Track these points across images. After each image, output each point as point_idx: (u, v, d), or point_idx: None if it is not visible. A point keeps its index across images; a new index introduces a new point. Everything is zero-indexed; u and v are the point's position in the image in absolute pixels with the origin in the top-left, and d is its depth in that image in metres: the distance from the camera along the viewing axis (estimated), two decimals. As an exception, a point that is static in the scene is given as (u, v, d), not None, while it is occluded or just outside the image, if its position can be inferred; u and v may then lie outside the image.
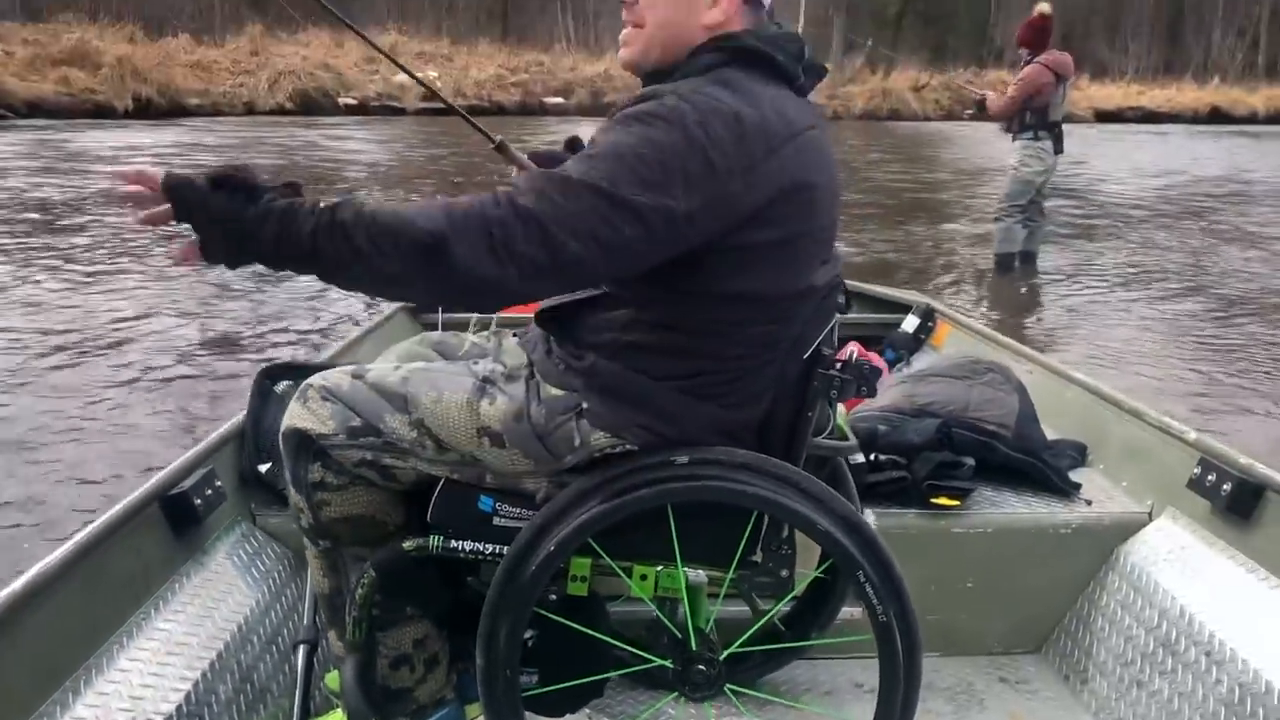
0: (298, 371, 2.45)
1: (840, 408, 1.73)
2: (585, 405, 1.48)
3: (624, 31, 1.55)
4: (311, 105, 24.69)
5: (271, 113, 23.72)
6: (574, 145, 2.04)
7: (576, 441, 1.48)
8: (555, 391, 1.52)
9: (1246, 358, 5.11)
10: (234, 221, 1.29)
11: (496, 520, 1.56)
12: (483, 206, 1.30)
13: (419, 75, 2.52)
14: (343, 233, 1.27)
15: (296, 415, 1.62)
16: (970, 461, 2.25)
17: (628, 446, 1.47)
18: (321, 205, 1.30)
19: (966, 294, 6.67)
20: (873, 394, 1.61)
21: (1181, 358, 5.10)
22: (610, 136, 1.35)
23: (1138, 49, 50.87)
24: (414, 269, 1.28)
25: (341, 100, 25.58)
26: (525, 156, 2.05)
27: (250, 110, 23.66)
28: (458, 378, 1.60)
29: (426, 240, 1.26)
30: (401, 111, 26.23)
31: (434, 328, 3.41)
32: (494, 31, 38.58)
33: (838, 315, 1.62)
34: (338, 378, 1.64)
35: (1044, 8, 6.98)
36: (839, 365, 1.54)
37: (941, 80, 37.09)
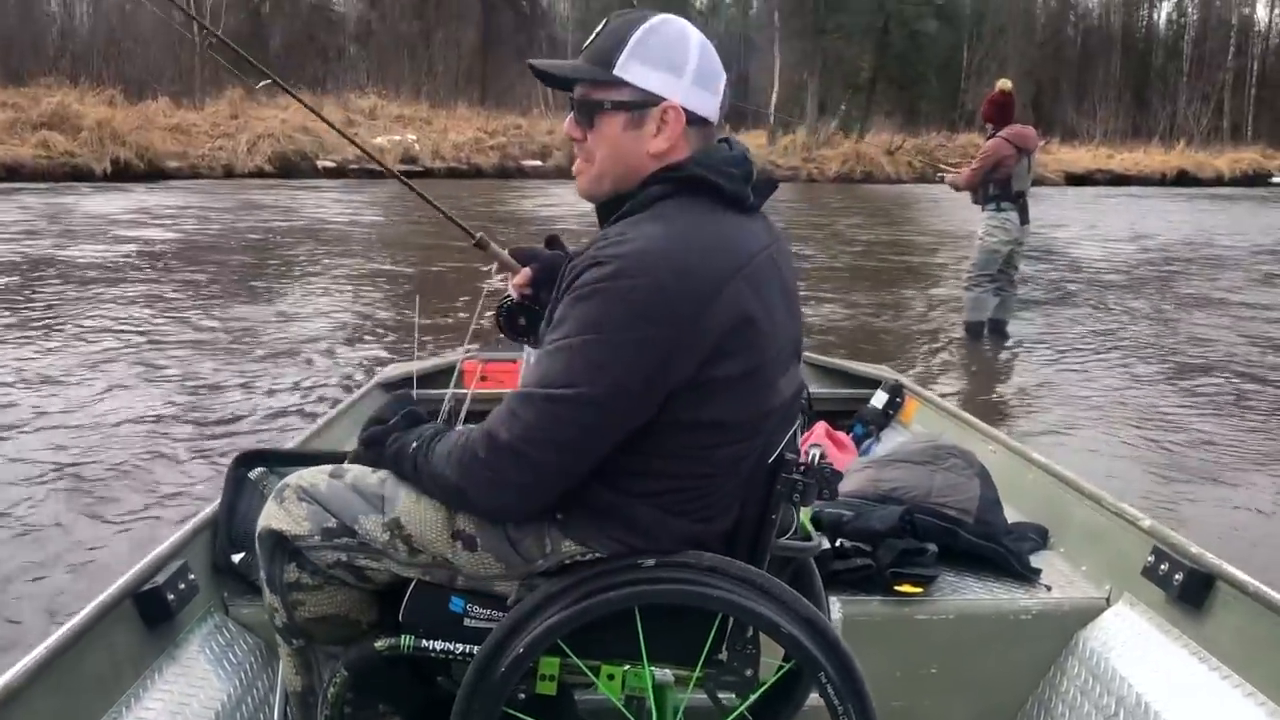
0: (273, 458, 2.48)
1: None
2: (558, 515, 1.53)
3: (576, 164, 1.62)
4: (290, 168, 24.87)
5: (250, 175, 23.87)
6: (553, 243, 2.09)
7: (548, 548, 1.53)
8: None
9: (1217, 428, 5.20)
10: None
11: (468, 621, 1.60)
12: (479, 447, 1.46)
13: (398, 174, 2.57)
14: (415, 479, 1.59)
15: (273, 515, 1.66)
16: (933, 548, 2.29)
17: (596, 554, 1.52)
18: (412, 449, 1.58)
19: (937, 362, 6.76)
20: (834, 496, 1.66)
21: (1149, 429, 5.19)
22: (563, 327, 1.43)
23: (1105, 113, 51.90)
24: (454, 504, 1.56)
25: (320, 163, 25.74)
26: (506, 253, 2.08)
27: (229, 173, 23.80)
28: (434, 481, 1.65)
29: (452, 489, 1.52)
30: (380, 174, 26.37)
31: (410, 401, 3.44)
32: (473, 95, 39.02)
33: (799, 419, 1.68)
34: (315, 477, 1.69)
35: (1004, 84, 7.19)
36: (801, 468, 1.60)
37: (914, 144, 37.74)
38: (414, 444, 1.58)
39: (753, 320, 1.45)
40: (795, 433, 1.67)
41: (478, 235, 2.19)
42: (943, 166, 9.45)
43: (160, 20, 43.02)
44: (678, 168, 1.52)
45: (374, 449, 1.67)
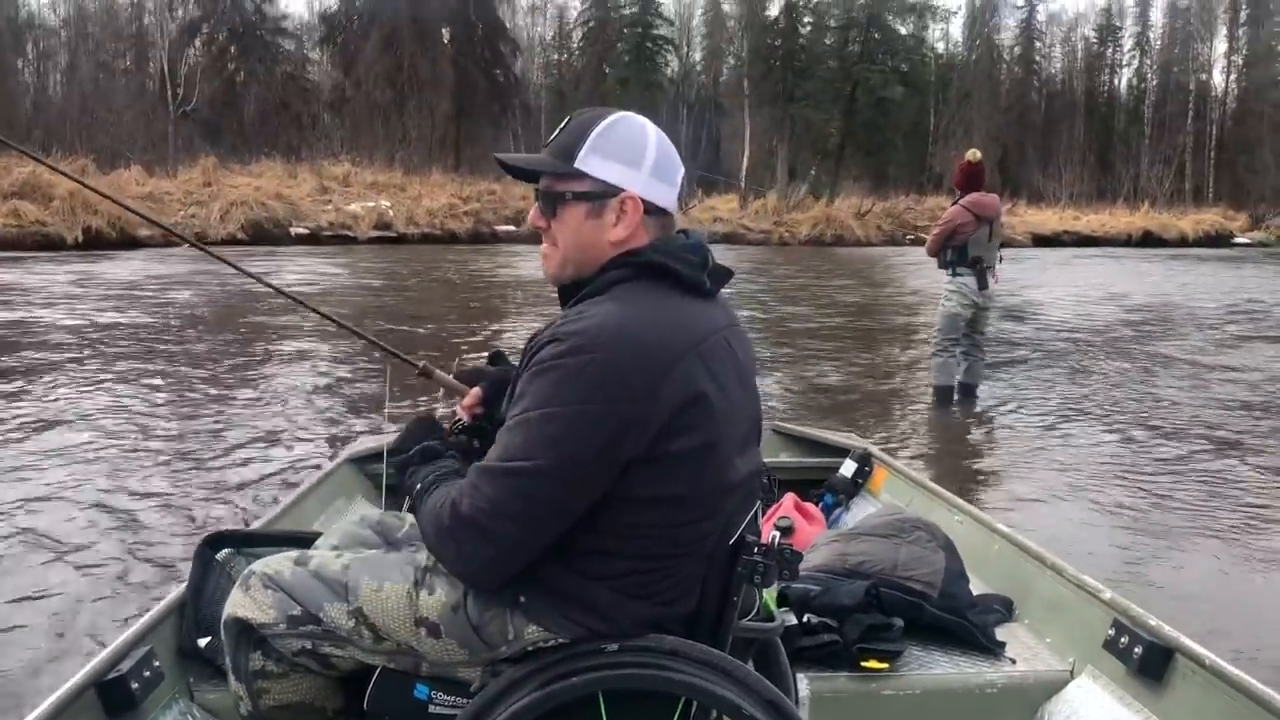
0: (240, 539, 2.48)
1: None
2: (522, 599, 1.54)
3: (542, 247, 1.69)
4: (263, 235, 24.91)
5: (223, 242, 23.84)
6: (497, 359, 2.11)
7: (510, 634, 1.54)
8: None
9: (1184, 492, 5.25)
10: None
11: (432, 708, 1.61)
12: (447, 515, 1.51)
13: (339, 320, 2.56)
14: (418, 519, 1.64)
15: (238, 603, 1.67)
16: (899, 622, 2.32)
17: (560, 639, 1.53)
18: (415, 490, 1.65)
19: (906, 427, 6.81)
20: (795, 577, 1.68)
21: (1117, 493, 5.23)
22: (523, 402, 1.48)
23: (1071, 176, 52.82)
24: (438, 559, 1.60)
25: (293, 230, 25.80)
26: (451, 378, 2.08)
27: (202, 240, 23.75)
28: (399, 567, 1.66)
29: (431, 548, 1.58)
30: (353, 240, 26.50)
31: (378, 476, 3.43)
32: (446, 161, 39.34)
33: (759, 501, 1.70)
34: (279, 564, 1.70)
35: (973, 154, 7.35)
36: (762, 550, 1.62)
37: (883, 207, 38.28)
38: (417, 486, 1.64)
39: (706, 397, 1.49)
40: (755, 514, 1.70)
41: (421, 364, 2.19)
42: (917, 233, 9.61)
43: (134, 90, 43.46)
44: (636, 253, 1.58)
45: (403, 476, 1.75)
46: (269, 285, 2.32)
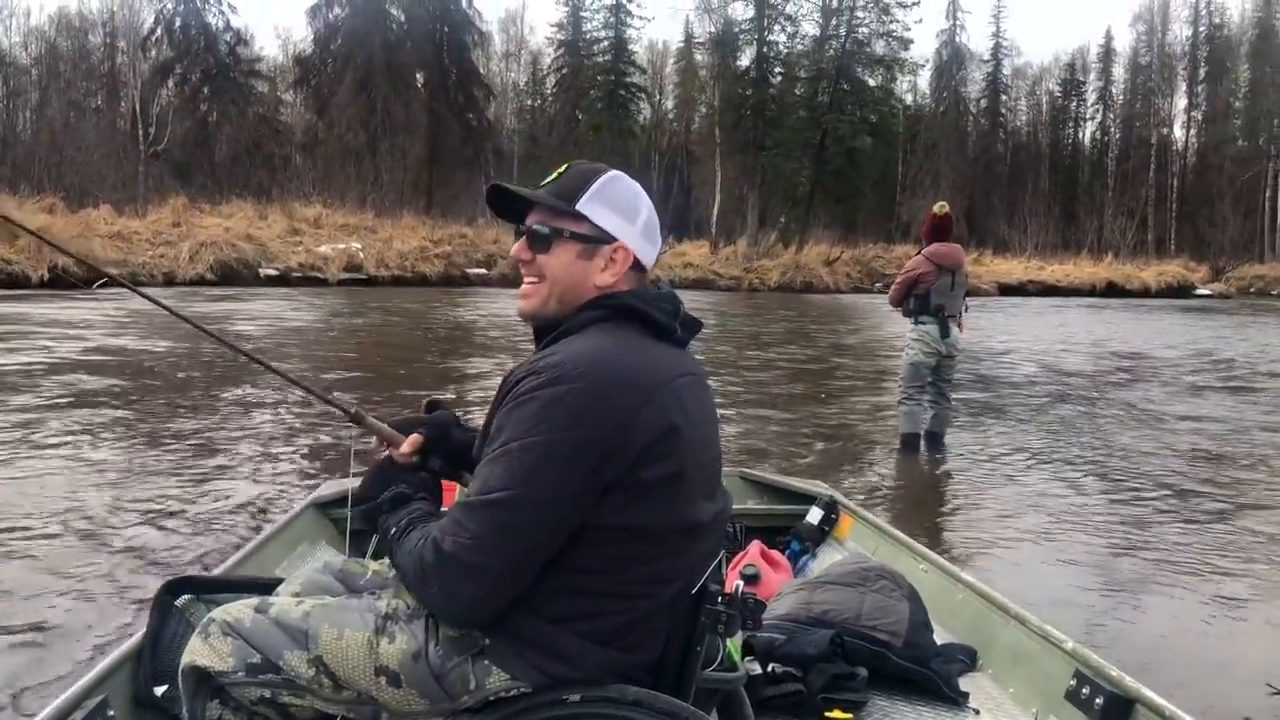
0: (200, 585, 2.44)
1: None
2: (486, 642, 1.54)
3: (524, 285, 1.71)
4: (232, 276, 24.80)
5: (191, 283, 23.75)
6: (433, 407, 2.05)
7: (472, 684, 1.54)
8: (454, 632, 1.57)
9: (1145, 542, 5.29)
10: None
11: (392, 759, 1.59)
12: (429, 553, 1.51)
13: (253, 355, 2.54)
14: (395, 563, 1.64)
15: (197, 651, 1.65)
16: (863, 672, 2.32)
17: (522, 689, 1.52)
18: (390, 535, 1.65)
19: (871, 474, 6.83)
20: (758, 627, 1.69)
21: (1081, 540, 5.26)
22: (502, 435, 1.50)
23: (1036, 226, 53.64)
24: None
25: (263, 271, 25.71)
26: (386, 425, 2.00)
27: (170, 281, 23.66)
28: (360, 614, 1.65)
29: (414, 591, 1.58)
30: (324, 282, 26.42)
31: (342, 522, 3.40)
32: (419, 204, 39.40)
33: (724, 550, 1.71)
34: (240, 612, 1.68)
35: (940, 207, 7.46)
36: (725, 599, 1.63)
37: (852, 254, 38.70)
38: (392, 530, 1.65)
39: (679, 429, 1.52)
40: (720, 564, 1.70)
41: (352, 410, 2.13)
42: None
43: (104, 129, 43.31)
44: (612, 296, 1.63)
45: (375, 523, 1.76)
46: (199, 327, 2.27)
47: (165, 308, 2.32)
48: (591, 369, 1.48)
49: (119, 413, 7.73)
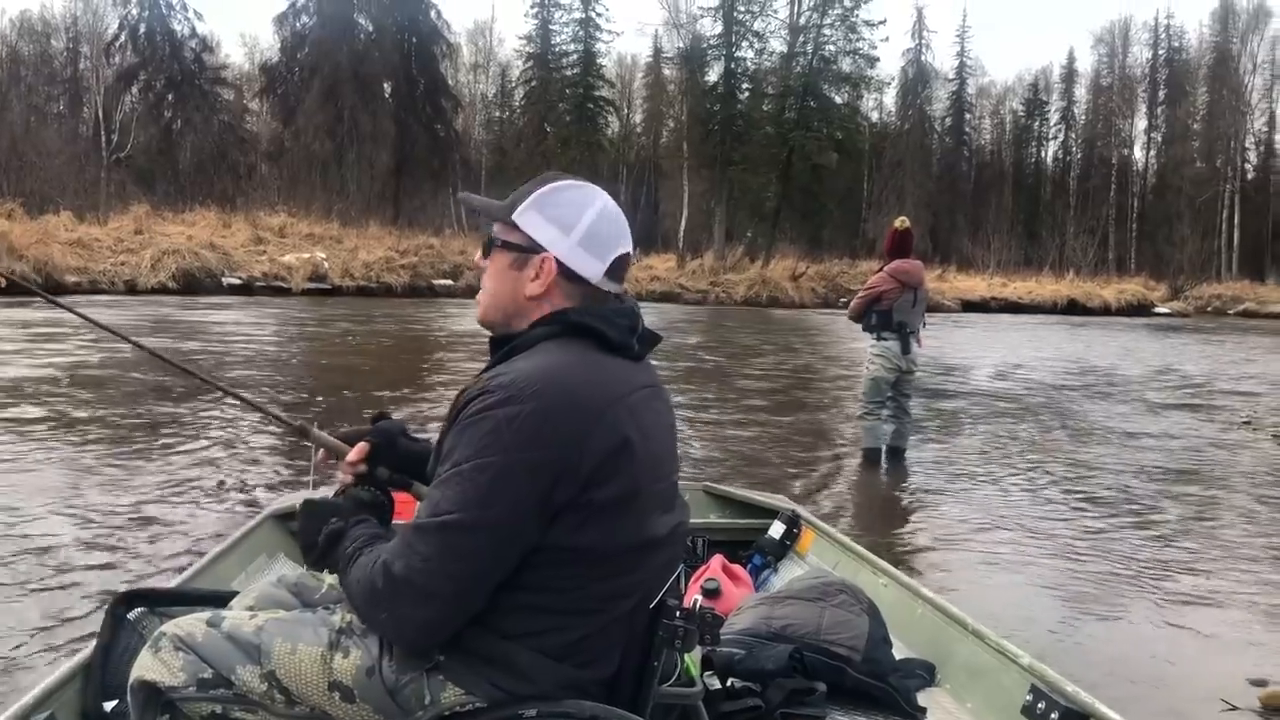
0: (154, 598, 2.41)
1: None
2: (441, 658, 1.53)
3: (480, 292, 1.71)
4: (194, 284, 24.56)
5: (153, 291, 23.49)
6: (378, 418, 2.02)
7: (427, 699, 1.52)
8: None
9: (1103, 557, 5.34)
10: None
11: (345, 775, 1.57)
12: (379, 578, 1.49)
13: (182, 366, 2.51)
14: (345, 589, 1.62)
15: (146, 666, 1.62)
16: (821, 687, 2.32)
17: (477, 704, 1.51)
18: (340, 566, 1.62)
19: (833, 489, 6.85)
20: (716, 642, 1.69)
21: (1040, 555, 5.31)
22: (454, 455, 1.48)
23: (999, 244, 54.14)
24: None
25: (226, 280, 25.48)
26: (332, 438, 1.97)
27: (131, 289, 23.40)
28: (313, 628, 1.63)
29: (363, 617, 1.57)
30: (287, 291, 26.22)
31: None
32: (385, 214, 39.21)
33: (682, 565, 1.71)
34: (191, 626, 1.66)
35: (901, 222, 7.53)
36: (683, 614, 1.62)
37: (817, 269, 38.91)
38: (340, 562, 1.62)
39: (631, 444, 1.51)
40: (679, 578, 1.70)
41: (298, 423, 2.10)
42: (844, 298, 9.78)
43: (66, 134, 42.87)
44: (566, 312, 1.61)
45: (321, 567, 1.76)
46: (123, 337, 2.24)
47: (83, 317, 2.27)
48: (542, 389, 1.47)
49: (74, 420, 7.62)
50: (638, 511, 1.54)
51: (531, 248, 1.63)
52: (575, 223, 1.63)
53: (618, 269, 1.67)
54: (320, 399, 9.61)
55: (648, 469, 1.55)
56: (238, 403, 2.21)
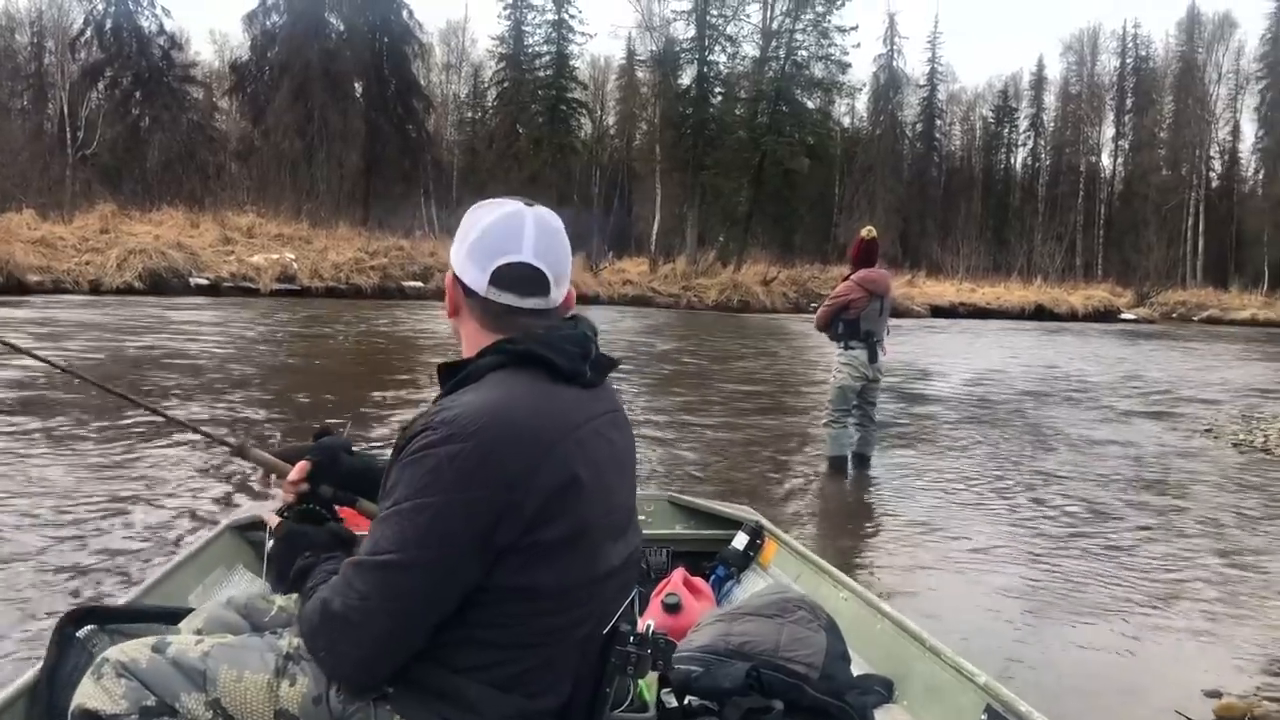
0: (105, 615, 2.37)
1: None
2: (389, 689, 1.51)
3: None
4: (161, 285, 24.29)
5: (119, 291, 23.23)
6: (321, 434, 2.01)
7: (374, 729, 1.50)
8: None
9: (1066, 567, 5.38)
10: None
11: (291, 805, 1.55)
12: (317, 614, 1.49)
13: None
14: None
15: (88, 694, 1.59)
16: (779, 705, 2.31)
17: (425, 735, 1.49)
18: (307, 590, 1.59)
19: (799, 498, 6.86)
20: (670, 668, 1.68)
21: (1004, 566, 5.34)
22: (395, 493, 1.46)
23: (968, 249, 54.57)
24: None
25: (193, 280, 25.24)
26: (271, 456, 1.96)
27: (96, 289, 23.13)
28: (260, 654, 1.61)
29: (309, 650, 1.54)
30: (255, 292, 26.01)
31: (260, 545, 3.32)
32: (355, 215, 38.98)
33: (637, 589, 1.70)
34: (136, 651, 1.63)
35: (868, 231, 7.55)
36: (636, 639, 1.61)
37: (788, 274, 39.04)
38: (303, 598, 1.59)
39: (580, 481, 1.49)
40: (632, 603, 1.69)
41: (235, 443, 2.09)
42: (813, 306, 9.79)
43: (30, 130, 42.31)
44: (513, 341, 1.57)
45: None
46: (44, 361, 2.21)
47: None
48: (485, 425, 1.44)
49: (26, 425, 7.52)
50: (588, 546, 1.52)
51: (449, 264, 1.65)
52: (467, 233, 1.62)
53: (514, 281, 1.58)
54: (282, 405, 9.53)
55: (598, 503, 1.53)
56: (188, 430, 2.17)
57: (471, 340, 1.63)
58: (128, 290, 23.48)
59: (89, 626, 2.29)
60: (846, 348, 7.35)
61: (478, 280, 1.59)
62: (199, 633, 1.78)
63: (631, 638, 1.61)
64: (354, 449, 1.97)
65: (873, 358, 7.32)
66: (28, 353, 2.21)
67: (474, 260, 1.60)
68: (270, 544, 1.79)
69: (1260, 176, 61.69)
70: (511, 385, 1.52)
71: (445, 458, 1.42)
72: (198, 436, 2.15)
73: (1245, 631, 4.40)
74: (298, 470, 1.87)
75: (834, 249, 49.98)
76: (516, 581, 1.46)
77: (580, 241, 43.05)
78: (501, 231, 1.59)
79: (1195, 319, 45.78)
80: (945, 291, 41.65)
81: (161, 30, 45.22)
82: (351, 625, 1.45)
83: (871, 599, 2.98)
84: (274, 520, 1.83)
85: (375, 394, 10.32)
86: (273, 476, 1.96)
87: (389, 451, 1.58)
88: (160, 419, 2.09)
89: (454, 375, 1.60)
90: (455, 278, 1.61)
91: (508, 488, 1.42)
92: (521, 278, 1.59)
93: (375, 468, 1.87)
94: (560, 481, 1.46)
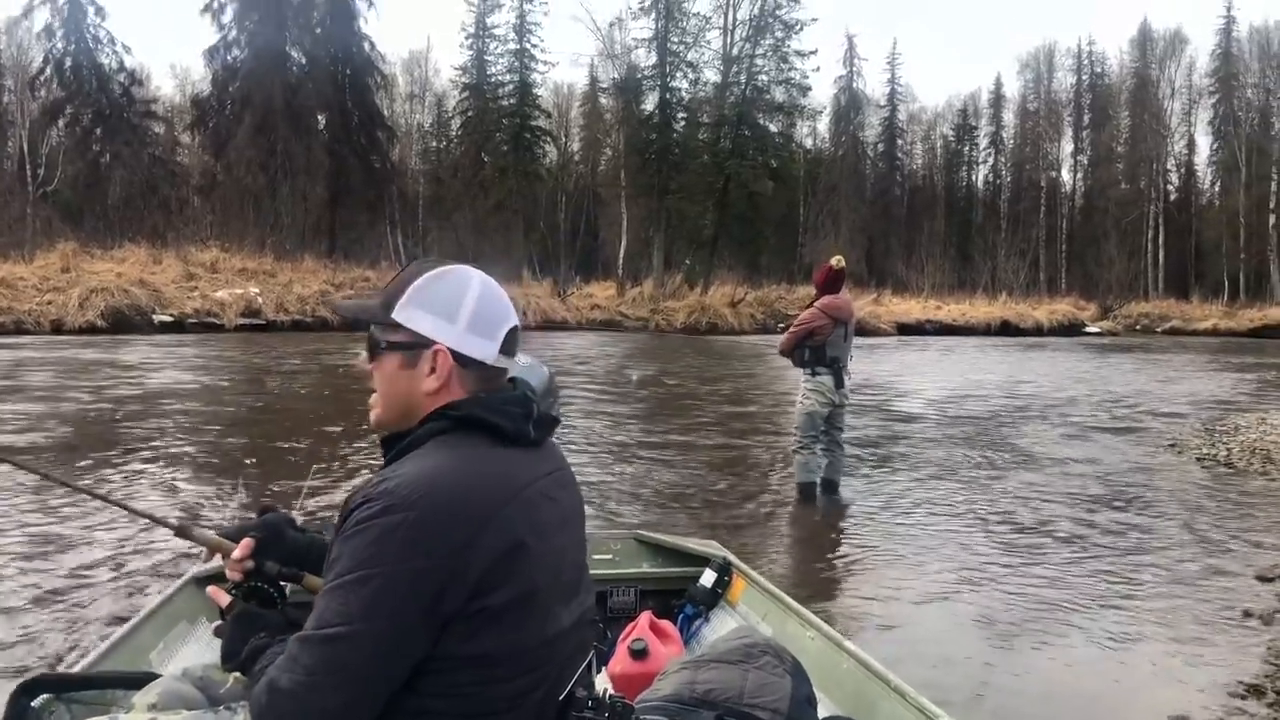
0: (60, 683, 2.33)
1: None
2: None
3: (373, 395, 1.69)
4: (124, 323, 24.08)
5: (81, 331, 23.01)
6: (264, 511, 2.01)
7: (328, 806, 1.49)
8: None
9: (1033, 592, 5.42)
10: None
11: None
12: (264, 693, 1.47)
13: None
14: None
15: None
16: (745, 753, 2.31)
17: (380, 812, 1.48)
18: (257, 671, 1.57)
19: (768, 527, 6.87)
20: (626, 730, 1.67)
21: (971, 594, 5.37)
22: (337, 566, 1.46)
23: (933, 267, 54.96)
24: None
25: (156, 318, 25.03)
26: (213, 534, 1.96)
27: (58, 329, 22.90)
28: (211, 732, 1.60)
29: None
30: (220, 328, 25.83)
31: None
32: (320, 247, 38.83)
33: (594, 649, 1.70)
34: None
35: (837, 260, 7.61)
36: (592, 704, 1.61)
37: (756, 295, 39.22)
38: (254, 678, 1.58)
39: (524, 546, 1.49)
40: (590, 665, 1.69)
41: (176, 524, 2.08)
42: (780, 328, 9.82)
43: (-10, 171, 41.82)
44: (454, 406, 1.59)
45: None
46: None
47: None
48: (426, 494, 1.44)
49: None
50: (538, 610, 1.53)
51: (419, 343, 1.62)
52: (458, 309, 1.62)
53: (509, 344, 1.67)
54: (252, 452, 9.45)
55: (546, 566, 1.54)
56: (127, 513, 2.15)
57: (417, 408, 1.62)
58: (90, 329, 23.28)
59: (44, 695, 2.26)
60: (813, 374, 7.40)
61: (486, 351, 1.64)
62: (153, 707, 1.76)
63: (590, 701, 1.61)
64: (298, 523, 1.96)
65: (839, 383, 7.37)
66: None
67: (479, 333, 1.63)
68: (220, 622, 1.78)
69: (1216, 189, 62.71)
70: (452, 452, 1.53)
71: (386, 529, 1.42)
72: (141, 518, 2.12)
73: (1211, 653, 4.44)
74: (241, 548, 1.85)
75: (800, 269, 50.28)
76: (466, 650, 1.46)
77: (548, 267, 43.17)
78: (495, 302, 1.66)
79: (1158, 330, 46.38)
80: (911, 309, 41.95)
81: (122, 67, 44.90)
82: (299, 702, 1.44)
83: (837, 638, 2.98)
84: (224, 599, 1.81)
85: (342, 445, 10.24)
86: (217, 555, 1.95)
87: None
88: (123, 510, 2.09)
89: (397, 443, 1.61)
90: (450, 352, 1.61)
91: (450, 556, 1.43)
92: (515, 341, 1.68)
93: (319, 543, 1.87)
94: (504, 548, 1.47)
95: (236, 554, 1.85)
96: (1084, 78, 66.40)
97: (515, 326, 1.68)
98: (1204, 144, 63.53)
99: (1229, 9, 59.69)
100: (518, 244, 45.86)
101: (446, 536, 1.43)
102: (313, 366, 17.58)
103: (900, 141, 68.70)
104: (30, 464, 2.26)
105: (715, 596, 3.75)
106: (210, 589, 1.87)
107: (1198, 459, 9.67)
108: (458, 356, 1.61)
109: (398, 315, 1.62)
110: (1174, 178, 64.27)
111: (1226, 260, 56.64)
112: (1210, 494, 8.04)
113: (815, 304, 7.43)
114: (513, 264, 37.95)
